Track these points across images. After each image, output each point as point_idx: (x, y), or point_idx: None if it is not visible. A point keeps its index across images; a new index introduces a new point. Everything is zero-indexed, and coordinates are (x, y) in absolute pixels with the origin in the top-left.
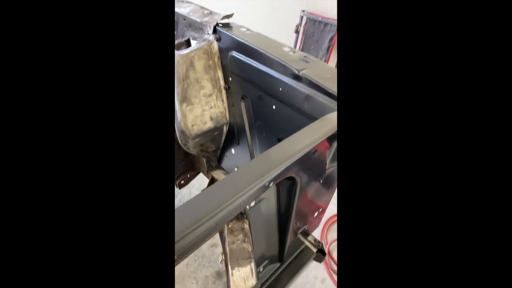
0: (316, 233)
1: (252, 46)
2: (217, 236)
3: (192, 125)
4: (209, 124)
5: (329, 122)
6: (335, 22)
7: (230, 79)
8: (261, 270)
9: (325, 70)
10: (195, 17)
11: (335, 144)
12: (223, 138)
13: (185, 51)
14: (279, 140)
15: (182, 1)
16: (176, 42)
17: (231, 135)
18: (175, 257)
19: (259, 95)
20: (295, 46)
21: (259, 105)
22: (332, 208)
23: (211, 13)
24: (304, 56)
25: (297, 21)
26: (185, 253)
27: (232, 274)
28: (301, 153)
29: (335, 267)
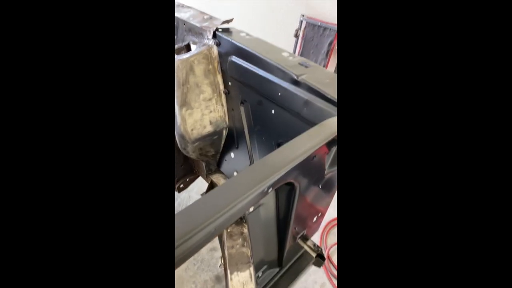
0: (316, 237)
1: (252, 51)
2: (216, 240)
3: (192, 129)
4: (209, 128)
5: (328, 128)
6: (334, 27)
7: (230, 83)
8: (260, 275)
9: (324, 75)
10: (195, 22)
11: (334, 149)
12: (223, 142)
13: (185, 56)
14: (279, 144)
15: (182, 6)
16: (176, 46)
17: (231, 139)
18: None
19: (258, 100)
20: (295, 50)
21: (259, 110)
22: (331, 212)
23: (211, 18)
24: (303, 61)
25: (297, 25)
26: (183, 259)
27: (231, 279)
28: (300, 159)
29: (335, 272)
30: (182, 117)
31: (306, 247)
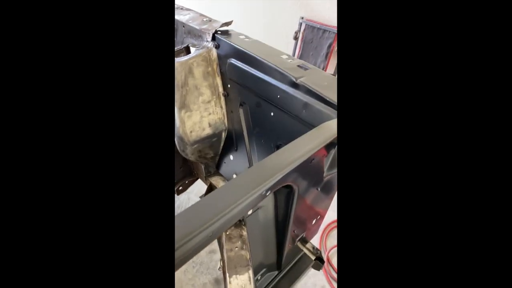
0: (315, 240)
1: (251, 53)
2: (215, 243)
3: (191, 132)
4: (208, 131)
5: (326, 130)
6: (334, 29)
7: (229, 86)
8: (259, 278)
9: (323, 77)
10: (194, 25)
11: (332, 152)
12: (222, 145)
13: (184, 58)
14: (278, 147)
15: (181, 9)
16: (175, 49)
17: (230, 142)
18: None
19: (257, 102)
20: (294, 53)
21: (258, 112)
22: (331, 214)
23: (210, 20)
24: (302, 64)
25: (296, 27)
26: (182, 262)
27: (230, 282)
28: (298, 162)
29: (334, 274)
30: (181, 119)
31: (305, 250)
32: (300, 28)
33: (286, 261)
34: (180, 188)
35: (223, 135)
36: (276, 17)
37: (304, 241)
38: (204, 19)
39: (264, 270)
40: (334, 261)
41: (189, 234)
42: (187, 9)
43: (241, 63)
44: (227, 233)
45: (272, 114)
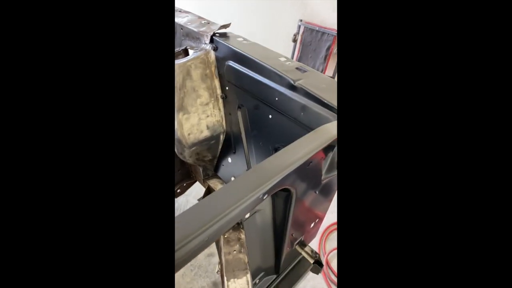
0: (314, 243)
1: (249, 56)
2: (214, 246)
3: (189, 134)
4: (206, 133)
5: (324, 133)
6: (332, 32)
7: (227, 88)
8: (257, 282)
9: (321, 80)
10: (193, 27)
11: (330, 155)
12: (220, 147)
13: (182, 60)
14: (276, 149)
15: (180, 11)
16: None
17: (228, 144)
18: None
19: (255, 104)
20: (293, 55)
21: (256, 114)
22: (330, 217)
23: (208, 23)
24: (300, 66)
25: (295, 30)
26: (180, 265)
27: (227, 286)
28: (295, 165)
29: (334, 278)
30: (179, 121)
31: (303, 253)
32: (298, 30)
33: (285, 264)
34: (178, 190)
35: (221, 137)
36: (275, 19)
37: (303, 244)
38: (202, 22)
39: (262, 273)
40: (333, 264)
41: (185, 237)
42: (186, 12)
43: (239, 66)
44: (225, 236)
45: (270, 116)
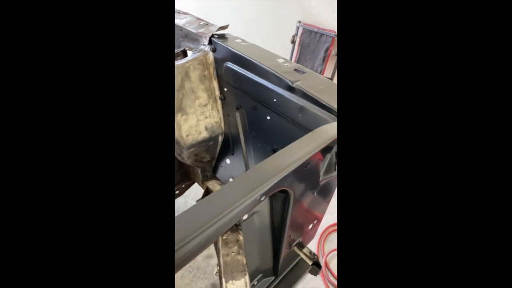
0: (313, 244)
1: (247, 57)
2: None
3: (187, 135)
4: (204, 134)
5: (322, 134)
6: (331, 33)
7: (225, 89)
8: (255, 283)
9: (319, 81)
10: (191, 28)
11: (328, 156)
12: (218, 148)
13: (180, 62)
14: (274, 151)
15: (178, 12)
16: None
17: (226, 145)
18: None
19: (254, 106)
20: (292, 56)
21: (254, 116)
22: (328, 218)
23: (207, 24)
24: (298, 68)
25: (293, 31)
26: (178, 267)
27: None
28: (293, 166)
29: (332, 279)
30: (177, 122)
31: (302, 255)
32: (297, 32)
33: (283, 266)
34: (177, 192)
35: (220, 138)
36: (274, 21)
37: (301, 246)
38: (201, 23)
39: (260, 275)
40: (332, 265)
41: (183, 239)
42: (184, 13)
43: (238, 67)
44: (224, 238)
45: (268, 118)
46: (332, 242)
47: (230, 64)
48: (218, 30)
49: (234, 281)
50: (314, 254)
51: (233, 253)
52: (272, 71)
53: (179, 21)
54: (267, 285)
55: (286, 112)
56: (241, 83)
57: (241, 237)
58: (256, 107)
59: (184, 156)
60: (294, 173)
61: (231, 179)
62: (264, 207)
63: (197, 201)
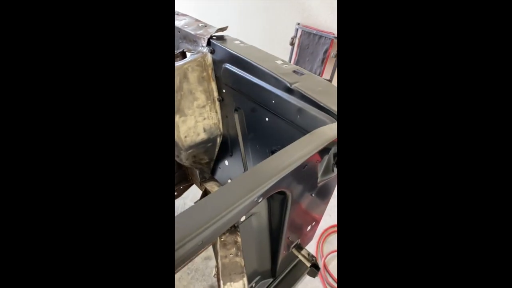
0: (312, 246)
1: (245, 58)
2: (211, 249)
3: (185, 137)
4: (202, 136)
5: (320, 136)
6: (330, 35)
7: (224, 90)
8: (253, 285)
9: (317, 83)
10: (190, 30)
11: (326, 158)
12: (217, 150)
13: (179, 63)
14: (272, 152)
15: (177, 14)
16: None
17: (225, 147)
18: None
19: (252, 107)
20: (291, 58)
21: (252, 117)
22: (327, 220)
23: (205, 25)
24: (297, 69)
25: (292, 33)
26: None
27: None
28: (291, 168)
29: (331, 281)
30: (176, 124)
31: (300, 257)
32: (296, 33)
33: (281, 268)
34: (175, 193)
35: (218, 140)
36: (273, 23)
37: (299, 247)
38: (200, 25)
39: (258, 277)
40: (331, 267)
41: (180, 240)
42: (183, 15)
43: (236, 68)
44: (222, 239)
45: (267, 119)
46: (331, 243)
47: (228, 66)
48: (216, 31)
49: (232, 283)
50: (313, 256)
51: (231, 255)
52: (271, 73)
53: (177, 22)
54: (265, 287)
55: (285, 114)
56: (240, 84)
57: (239, 239)
58: (255, 109)
59: (182, 157)
60: (291, 174)
61: (229, 181)
62: (262, 209)
63: (195, 202)
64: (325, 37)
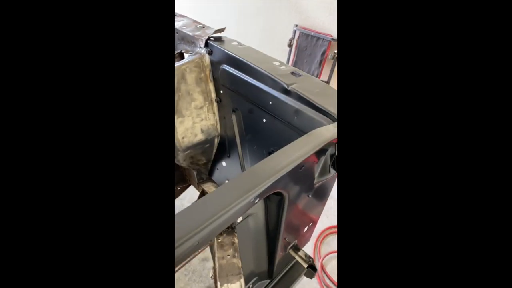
0: (309, 247)
1: (243, 60)
2: (208, 250)
3: (183, 138)
4: (200, 137)
5: (317, 137)
6: (327, 37)
7: (222, 91)
8: (250, 286)
9: (314, 84)
10: (188, 31)
11: (323, 159)
12: (214, 151)
13: (176, 64)
14: (270, 153)
15: (175, 15)
16: None
17: (222, 148)
18: None
19: (249, 108)
20: (288, 60)
21: (250, 118)
22: (324, 221)
23: (203, 27)
24: (294, 71)
25: (290, 35)
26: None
27: None
28: (287, 168)
29: (329, 282)
30: None
31: (297, 258)
32: (294, 35)
33: (278, 269)
34: None
35: (216, 141)
36: (271, 24)
37: (296, 248)
38: (198, 26)
39: (255, 278)
40: (328, 268)
41: (176, 241)
42: (181, 16)
43: (234, 69)
44: (219, 240)
45: (264, 120)
46: (329, 244)
47: (226, 67)
48: (214, 33)
49: (229, 284)
50: (310, 257)
51: (228, 256)
52: (268, 74)
53: (176, 23)
54: None
55: (282, 115)
56: (237, 85)
57: (236, 240)
58: (252, 110)
59: (180, 158)
60: (288, 175)
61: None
62: (259, 210)
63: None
64: (323, 39)
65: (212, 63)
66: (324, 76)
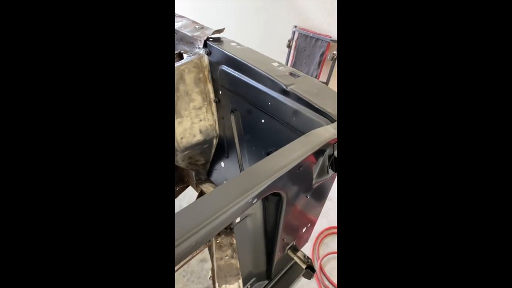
0: (308, 248)
1: (242, 60)
2: (206, 251)
3: (181, 138)
4: (199, 137)
5: (315, 137)
6: (326, 38)
7: (220, 92)
8: (248, 287)
9: (313, 85)
10: (187, 31)
11: (321, 159)
12: (213, 151)
13: (175, 64)
14: (268, 154)
15: (174, 16)
16: None
17: (221, 148)
18: None
19: (248, 109)
20: (288, 61)
21: (249, 119)
22: (323, 222)
23: (202, 27)
24: (293, 71)
25: (289, 36)
26: None
27: None
28: (286, 169)
29: (327, 283)
30: None
31: (296, 258)
32: (293, 36)
33: (276, 270)
34: None
35: (214, 141)
36: (270, 25)
37: (295, 249)
38: (196, 26)
39: (254, 279)
40: (327, 269)
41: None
42: (180, 16)
43: (233, 70)
44: (218, 241)
45: (263, 121)
46: (328, 245)
47: (225, 67)
48: (213, 33)
49: (227, 285)
50: (308, 258)
51: (227, 257)
52: (267, 75)
53: (175, 24)
54: None
55: (281, 116)
56: (236, 86)
57: (235, 241)
58: (251, 110)
59: (178, 159)
60: (287, 175)
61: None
62: (257, 210)
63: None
64: (322, 40)
65: (211, 63)
66: (323, 77)
